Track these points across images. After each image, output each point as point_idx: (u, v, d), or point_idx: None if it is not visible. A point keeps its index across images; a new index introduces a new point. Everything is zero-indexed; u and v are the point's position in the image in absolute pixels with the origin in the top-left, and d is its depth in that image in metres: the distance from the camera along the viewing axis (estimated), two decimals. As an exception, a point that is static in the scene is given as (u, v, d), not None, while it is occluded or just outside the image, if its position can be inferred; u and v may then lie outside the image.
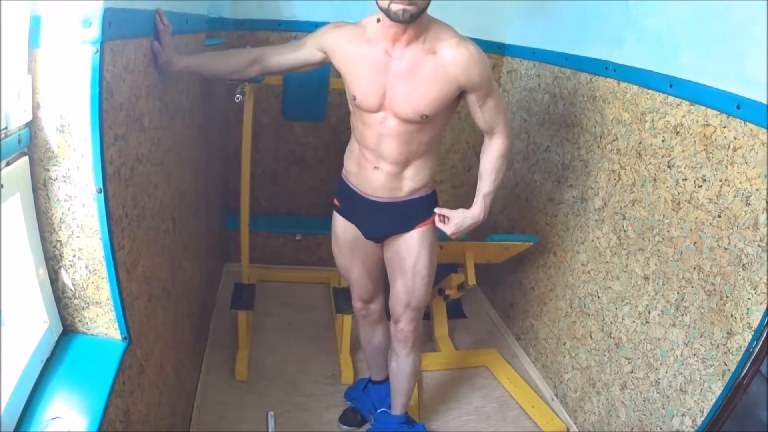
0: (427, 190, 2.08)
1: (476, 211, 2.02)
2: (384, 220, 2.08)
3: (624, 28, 2.35)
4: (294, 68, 2.05)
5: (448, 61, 1.77)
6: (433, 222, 2.09)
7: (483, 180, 2.03)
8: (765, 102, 1.64)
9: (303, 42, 2.00)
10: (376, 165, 1.98)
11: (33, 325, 1.23)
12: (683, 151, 2.01)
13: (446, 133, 3.57)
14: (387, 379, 2.53)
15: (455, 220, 2.02)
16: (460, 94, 1.87)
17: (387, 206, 2.05)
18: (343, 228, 2.20)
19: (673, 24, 2.08)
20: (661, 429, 2.06)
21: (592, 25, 2.60)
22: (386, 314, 2.40)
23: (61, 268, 1.27)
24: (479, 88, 1.84)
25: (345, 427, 2.59)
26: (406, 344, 2.27)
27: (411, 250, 2.10)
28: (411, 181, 2.01)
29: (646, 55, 2.22)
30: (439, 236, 2.17)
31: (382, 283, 2.37)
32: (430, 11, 1.79)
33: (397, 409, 2.44)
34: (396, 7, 1.63)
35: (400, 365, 2.33)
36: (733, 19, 1.80)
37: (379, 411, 2.51)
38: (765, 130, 1.65)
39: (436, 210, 2.07)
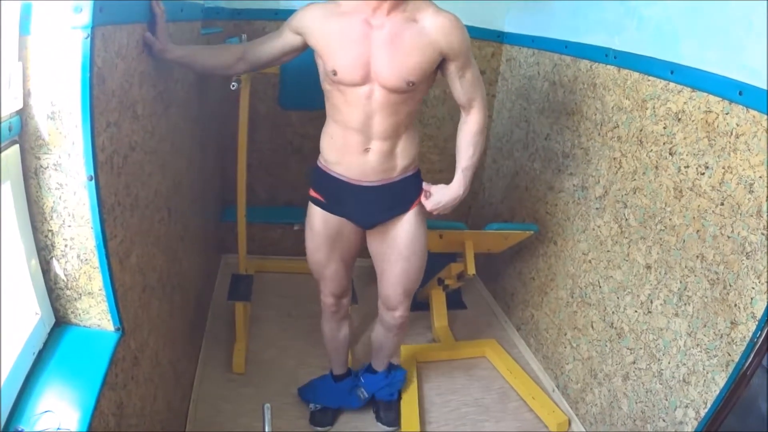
0: (415, 167, 2.07)
1: (455, 186, 2.01)
2: (378, 205, 2.04)
3: (623, 16, 2.32)
4: (277, 58, 1.99)
5: (430, 27, 1.79)
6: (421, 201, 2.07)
7: (461, 155, 2.01)
8: (767, 88, 1.62)
9: (280, 30, 1.95)
10: (367, 146, 1.93)
11: (25, 316, 1.21)
12: (685, 138, 1.99)
13: (445, 127, 3.55)
14: (349, 373, 2.67)
15: (436, 196, 2.01)
16: (440, 65, 1.87)
17: (380, 189, 2.00)
18: (324, 222, 2.10)
19: (672, 14, 2.05)
20: (663, 421, 2.04)
21: (591, 13, 2.57)
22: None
23: (53, 259, 1.25)
24: (459, 56, 1.84)
25: (319, 429, 2.53)
26: (401, 329, 2.35)
27: (411, 231, 2.08)
28: (402, 159, 1.98)
29: (647, 44, 2.19)
30: (429, 224, 2.18)
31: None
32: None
33: (380, 366, 2.57)
34: None
35: (389, 337, 2.41)
36: (732, 10, 1.77)
37: (362, 375, 2.62)
38: (767, 117, 1.63)
39: (424, 186, 2.05)
